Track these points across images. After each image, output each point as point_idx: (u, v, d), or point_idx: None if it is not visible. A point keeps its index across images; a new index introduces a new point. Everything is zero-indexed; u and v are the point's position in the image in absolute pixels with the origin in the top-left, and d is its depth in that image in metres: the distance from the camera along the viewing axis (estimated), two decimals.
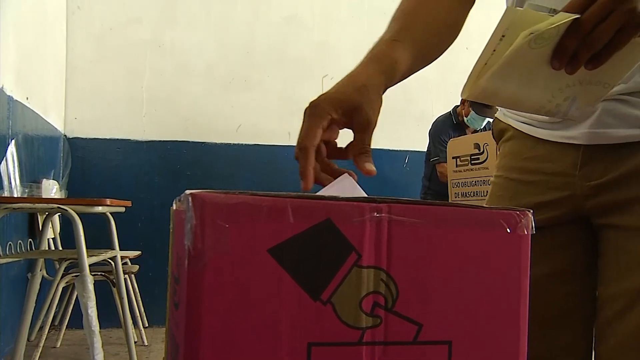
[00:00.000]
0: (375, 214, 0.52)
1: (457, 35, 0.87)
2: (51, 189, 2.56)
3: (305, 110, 0.65)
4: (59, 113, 3.44)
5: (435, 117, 3.11)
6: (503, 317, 0.55)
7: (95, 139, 3.56)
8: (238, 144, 3.64)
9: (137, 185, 3.54)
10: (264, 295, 0.50)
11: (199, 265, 0.49)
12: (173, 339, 0.60)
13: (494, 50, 0.63)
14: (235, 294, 0.50)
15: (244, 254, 0.49)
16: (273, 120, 3.63)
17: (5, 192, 2.10)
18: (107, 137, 3.56)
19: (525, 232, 0.54)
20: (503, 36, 0.61)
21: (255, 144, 3.63)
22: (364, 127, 0.67)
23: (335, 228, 0.51)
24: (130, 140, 3.58)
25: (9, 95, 2.42)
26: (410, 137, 3.55)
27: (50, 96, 3.27)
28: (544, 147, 0.88)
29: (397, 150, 3.66)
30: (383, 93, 0.71)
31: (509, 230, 0.54)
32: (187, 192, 0.52)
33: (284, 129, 3.58)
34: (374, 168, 0.69)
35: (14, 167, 2.19)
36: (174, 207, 0.71)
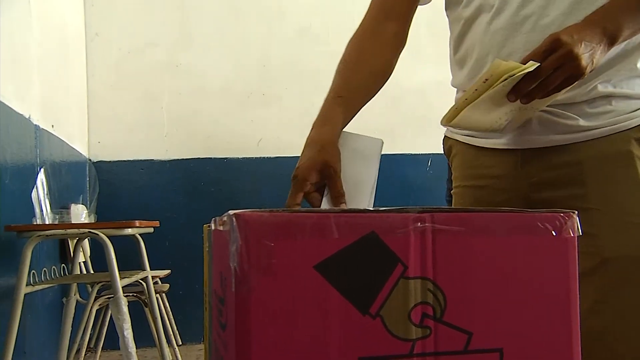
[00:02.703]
0: (419, 224, 0.51)
1: (392, 73, 1.09)
2: (80, 213, 2.59)
3: (291, 180, 0.92)
4: (82, 138, 3.49)
5: None
6: (554, 321, 0.54)
7: (119, 161, 3.60)
8: (260, 157, 3.66)
9: (162, 204, 3.57)
10: (312, 312, 0.50)
11: (246, 286, 0.49)
12: (220, 359, 0.60)
13: (476, 90, 0.82)
14: (283, 313, 0.50)
15: (290, 272, 0.49)
16: (293, 132, 3.64)
17: (38, 220, 2.14)
18: (131, 159, 3.61)
19: (572, 234, 0.54)
20: (486, 79, 0.81)
21: (276, 157, 3.65)
22: (332, 177, 0.92)
23: (380, 241, 0.51)
24: (153, 161, 3.62)
25: (36, 124, 2.46)
26: (431, 140, 3.51)
27: (74, 122, 3.33)
28: (486, 154, 1.05)
29: (419, 154, 3.64)
30: (337, 144, 0.95)
31: (554, 234, 0.53)
32: (231, 212, 0.52)
33: (303, 140, 3.55)
34: (345, 206, 0.90)
35: (44, 194, 2.23)
36: (212, 226, 0.72)
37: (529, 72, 0.80)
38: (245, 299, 0.50)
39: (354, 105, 1.01)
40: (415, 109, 3.57)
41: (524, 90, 0.83)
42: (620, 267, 0.89)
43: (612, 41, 0.85)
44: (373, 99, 1.08)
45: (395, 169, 3.67)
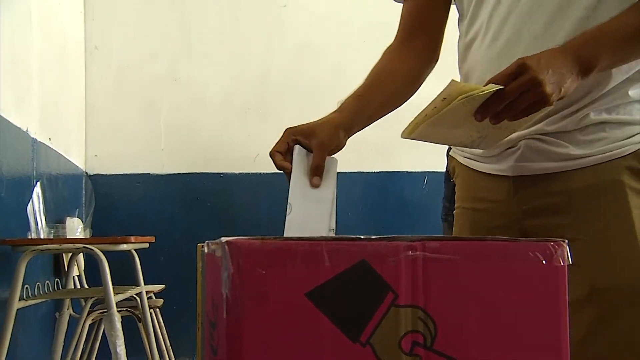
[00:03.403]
0: (410, 252, 0.52)
1: (419, 87, 1.12)
2: (76, 228, 2.59)
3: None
4: (79, 151, 3.50)
5: None
6: (544, 349, 0.54)
7: (115, 174, 3.60)
8: (256, 173, 3.66)
9: (158, 218, 3.57)
10: (304, 339, 0.50)
11: (238, 313, 0.49)
12: None
13: (435, 107, 0.84)
14: (274, 339, 0.50)
15: (281, 299, 0.50)
16: None
17: (33, 234, 2.14)
18: (128, 173, 3.61)
19: (562, 263, 0.54)
20: (444, 98, 0.82)
21: (273, 172, 3.63)
22: (318, 147, 0.94)
23: (371, 269, 0.51)
24: (150, 175, 3.62)
25: (33, 137, 2.47)
26: (427, 158, 3.53)
27: (71, 135, 3.33)
28: (484, 178, 1.06)
29: (415, 172, 3.65)
30: (345, 134, 0.99)
31: (544, 262, 0.53)
32: (223, 239, 0.52)
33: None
34: (319, 182, 0.94)
35: (39, 208, 2.23)
36: (205, 250, 0.72)
37: (496, 93, 0.81)
38: (237, 325, 0.50)
39: (370, 103, 1.04)
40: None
41: (491, 111, 0.83)
42: (611, 299, 0.89)
43: (586, 70, 0.84)
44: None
45: (391, 187, 3.68)
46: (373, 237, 0.52)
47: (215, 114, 3.69)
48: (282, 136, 0.97)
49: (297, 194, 0.93)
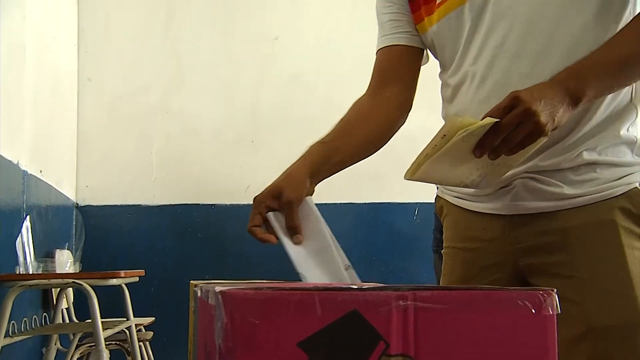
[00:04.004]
0: (401, 302, 0.52)
1: (391, 137, 1.11)
2: (65, 261, 2.57)
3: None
4: (70, 182, 3.49)
5: None
6: None
7: (106, 205, 3.59)
8: (248, 204, 3.64)
9: (149, 250, 3.55)
10: None
11: None
12: None
13: (435, 145, 0.84)
14: None
15: (274, 348, 0.50)
16: None
17: (21, 269, 2.12)
18: (118, 204, 3.60)
19: (550, 312, 0.55)
20: (444, 135, 0.83)
21: None
22: (287, 206, 0.94)
23: (363, 318, 0.51)
24: (141, 206, 3.61)
25: (24, 170, 2.46)
26: (419, 189, 3.55)
27: (63, 166, 3.33)
28: (476, 217, 1.07)
29: (406, 203, 3.67)
30: (311, 182, 0.98)
31: (533, 311, 0.54)
32: (217, 288, 0.53)
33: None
34: (300, 239, 0.94)
35: (28, 242, 2.21)
36: (198, 293, 0.72)
37: (492, 128, 0.83)
38: None
39: (337, 151, 1.04)
40: (405, 156, 3.58)
41: (489, 146, 0.85)
42: (606, 336, 0.90)
43: (575, 101, 0.87)
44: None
45: (382, 218, 3.68)
46: (364, 286, 0.53)
47: (207, 145, 3.71)
48: (253, 209, 0.97)
49: (299, 259, 0.92)
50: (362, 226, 3.72)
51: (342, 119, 1.09)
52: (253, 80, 3.81)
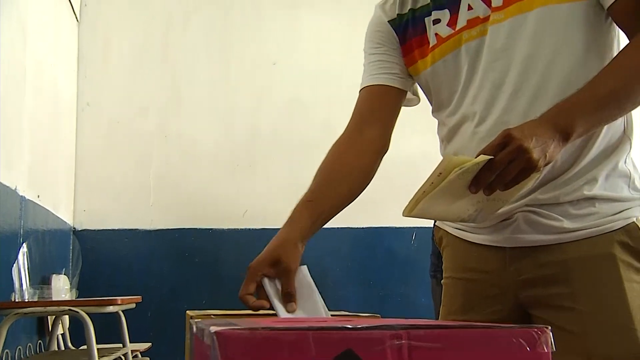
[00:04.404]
0: (395, 341, 0.53)
1: (372, 177, 1.13)
2: (62, 288, 2.56)
3: (246, 270, 0.95)
4: (68, 206, 3.49)
5: None
6: None
7: (104, 230, 3.58)
8: (245, 229, 3.66)
9: (146, 274, 3.53)
10: None
11: None
12: None
13: (432, 183, 0.87)
14: None
15: None
16: (279, 203, 3.65)
17: (17, 295, 2.11)
18: (116, 228, 3.59)
19: (545, 350, 0.55)
20: (440, 173, 0.86)
21: (262, 228, 3.65)
22: (285, 274, 0.94)
23: (357, 357, 0.52)
24: (138, 230, 3.60)
25: (22, 196, 2.47)
26: None
27: (60, 191, 3.33)
28: (476, 249, 1.08)
29: (404, 227, 3.67)
30: (302, 245, 1.00)
31: (528, 349, 0.54)
32: (212, 329, 0.53)
33: (290, 212, 3.61)
34: (294, 307, 0.94)
35: (25, 269, 2.20)
36: (194, 328, 0.72)
37: (486, 165, 0.85)
38: None
39: (323, 209, 1.05)
40: (402, 180, 3.60)
41: (484, 182, 0.87)
42: None
43: (565, 136, 0.89)
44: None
45: (380, 242, 3.68)
46: (359, 325, 0.53)
47: (204, 169, 3.72)
48: (248, 276, 0.96)
49: None
50: (359, 250, 3.72)
51: (321, 169, 1.10)
52: (251, 104, 3.83)
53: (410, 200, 0.92)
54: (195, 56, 3.82)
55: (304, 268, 0.99)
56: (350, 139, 1.14)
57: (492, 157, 0.85)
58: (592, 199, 0.97)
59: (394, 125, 1.16)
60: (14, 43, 2.45)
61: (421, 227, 3.60)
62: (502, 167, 0.85)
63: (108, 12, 3.74)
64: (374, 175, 1.14)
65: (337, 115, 3.74)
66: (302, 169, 3.82)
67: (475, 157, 0.86)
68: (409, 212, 0.93)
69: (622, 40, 1.05)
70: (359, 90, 1.17)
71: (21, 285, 2.14)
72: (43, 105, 2.88)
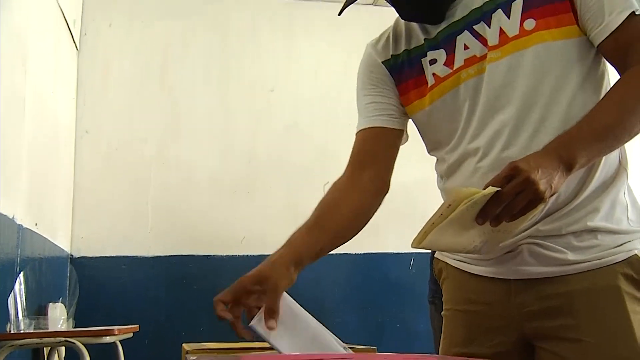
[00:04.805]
0: None
1: (371, 217, 1.14)
2: (58, 318, 2.54)
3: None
4: (65, 233, 3.48)
5: None
6: None
7: (101, 257, 3.58)
8: (243, 255, 3.66)
9: (143, 301, 3.52)
10: None
11: None
12: None
13: (441, 214, 0.88)
14: None
15: None
16: (277, 229, 3.65)
17: (12, 326, 2.09)
18: (113, 255, 3.58)
19: None
20: (449, 205, 0.88)
21: (260, 255, 3.62)
22: (270, 291, 0.94)
23: None
24: (136, 257, 3.60)
25: (19, 224, 2.47)
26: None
27: (58, 218, 3.33)
28: (477, 280, 1.09)
29: (402, 253, 3.66)
30: (295, 269, 1.00)
31: None
32: None
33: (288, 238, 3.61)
34: (274, 326, 0.93)
35: (21, 298, 2.20)
36: None
37: (493, 197, 0.87)
38: None
39: (320, 242, 1.07)
40: (399, 207, 3.62)
41: (491, 214, 0.89)
42: None
43: (569, 167, 0.91)
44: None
45: (378, 268, 3.67)
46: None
47: (202, 195, 3.73)
48: (231, 286, 0.97)
49: (292, 346, 0.93)
50: (358, 276, 3.71)
51: (322, 204, 1.12)
52: (249, 130, 3.86)
53: (419, 232, 0.94)
54: (193, 83, 3.86)
55: (287, 296, 0.98)
56: (347, 181, 1.15)
57: (500, 188, 0.87)
58: (594, 231, 0.99)
59: (393, 166, 1.18)
60: (14, 72, 2.48)
61: (419, 253, 3.60)
62: (510, 198, 0.87)
63: (107, 41, 3.79)
64: (371, 216, 1.14)
65: (334, 141, 3.79)
66: (300, 194, 3.85)
67: (483, 189, 0.88)
68: (417, 243, 0.94)
69: (612, 73, 1.08)
70: (355, 132, 1.19)
71: (17, 315, 2.13)
72: (42, 133, 2.90)
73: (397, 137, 1.17)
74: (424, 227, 0.92)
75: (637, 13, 0.96)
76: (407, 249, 3.59)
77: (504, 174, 0.88)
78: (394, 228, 3.65)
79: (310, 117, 3.89)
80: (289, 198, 3.73)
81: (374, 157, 1.17)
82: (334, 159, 3.69)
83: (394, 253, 3.66)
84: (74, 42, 3.60)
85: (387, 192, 1.17)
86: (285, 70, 3.95)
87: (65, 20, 3.30)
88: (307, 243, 1.05)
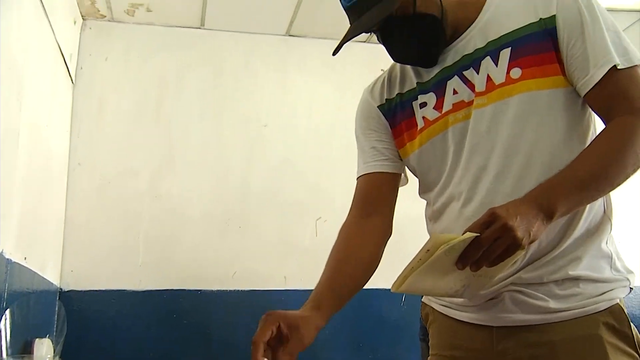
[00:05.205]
0: None
1: (379, 262, 1.21)
2: (44, 357, 2.50)
3: (262, 317, 0.96)
4: (55, 267, 3.45)
5: None
6: None
7: (91, 291, 3.54)
8: (235, 290, 3.63)
9: (133, 336, 3.47)
10: None
11: None
12: None
13: (420, 259, 0.91)
14: None
15: None
16: (269, 264, 3.65)
17: None
18: (103, 289, 3.54)
19: None
20: (428, 250, 0.90)
21: (251, 290, 3.62)
22: (298, 342, 0.97)
23: None
24: (126, 291, 3.56)
25: (8, 259, 2.45)
26: None
27: (48, 251, 3.30)
28: (463, 326, 1.11)
29: None
30: (317, 332, 1.02)
31: None
32: None
33: (280, 273, 3.59)
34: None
35: (6, 337, 2.16)
36: None
37: (472, 242, 0.89)
38: None
39: (343, 295, 1.13)
40: (391, 243, 3.61)
41: (470, 259, 0.91)
42: None
43: (549, 216, 0.93)
44: None
45: (370, 304, 3.64)
46: None
47: (195, 229, 3.71)
48: (266, 322, 0.98)
49: None
50: (349, 312, 3.63)
51: (334, 255, 1.17)
52: (242, 165, 3.87)
53: (399, 276, 0.96)
54: (188, 117, 3.88)
55: None
56: (356, 227, 1.21)
57: (478, 234, 0.88)
58: (577, 280, 1.00)
59: (394, 209, 1.22)
60: (9, 105, 2.49)
61: None
62: (488, 244, 0.89)
63: (103, 74, 3.82)
64: (378, 262, 1.21)
65: (327, 177, 3.81)
66: (292, 229, 3.84)
67: (462, 235, 0.88)
68: (397, 288, 0.97)
69: (598, 122, 1.10)
70: (356, 177, 1.22)
71: (0, 354, 2.09)
72: (35, 166, 2.90)
73: (397, 180, 1.21)
74: (403, 272, 0.95)
75: (618, 67, 0.98)
76: None
77: (483, 219, 0.90)
78: (385, 264, 3.63)
79: (304, 153, 3.91)
80: (282, 233, 3.73)
81: (378, 203, 1.21)
82: (327, 195, 3.75)
83: (386, 290, 3.62)
84: (70, 75, 3.63)
85: (390, 236, 1.20)
86: (279, 105, 3.99)
87: (62, 54, 3.33)
88: (333, 303, 1.09)
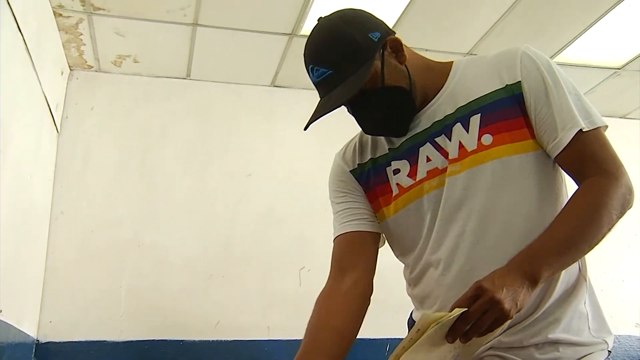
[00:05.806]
0: None
1: (358, 329, 1.18)
2: None
3: None
4: (33, 318, 3.38)
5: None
6: None
7: (70, 342, 3.45)
8: (217, 340, 3.57)
9: None
10: None
11: None
12: None
13: (411, 339, 0.93)
14: None
15: None
16: (252, 314, 3.61)
17: None
18: (83, 340, 3.46)
19: None
20: (418, 329, 0.92)
21: (234, 340, 3.56)
22: None
23: None
24: (106, 342, 3.48)
25: None
26: (389, 325, 3.52)
27: (27, 303, 3.24)
28: None
29: (377, 339, 3.60)
30: None
31: None
32: None
33: (263, 324, 3.55)
34: None
35: None
36: None
37: (461, 316, 0.91)
38: None
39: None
40: (375, 292, 3.60)
41: (460, 332, 0.93)
42: None
43: (533, 283, 0.94)
44: None
45: (353, 353, 3.58)
46: None
47: (177, 279, 3.67)
48: None
49: None
50: None
51: (310, 324, 1.14)
52: (226, 215, 3.86)
53: (391, 356, 0.97)
54: (172, 167, 3.90)
55: None
56: (334, 292, 1.18)
57: (466, 309, 0.91)
58: (556, 343, 1.01)
59: (374, 267, 1.19)
60: None
61: (395, 339, 3.55)
62: (476, 317, 0.91)
63: (88, 124, 3.84)
64: (358, 328, 1.17)
65: (311, 226, 3.81)
66: (275, 280, 3.82)
67: (450, 310, 0.92)
68: None
69: (569, 183, 1.13)
70: (332, 239, 1.21)
71: None
72: (16, 217, 2.87)
73: (373, 239, 1.19)
74: (395, 351, 0.96)
75: (583, 130, 1.02)
76: (383, 334, 3.57)
77: (470, 294, 0.91)
78: (369, 313, 3.61)
79: (288, 203, 3.92)
80: (265, 283, 3.70)
81: (352, 262, 1.18)
82: (310, 245, 3.74)
83: (369, 339, 3.60)
84: (55, 124, 3.64)
85: (371, 294, 1.18)
86: (264, 155, 4.03)
87: (48, 104, 3.36)
88: None
